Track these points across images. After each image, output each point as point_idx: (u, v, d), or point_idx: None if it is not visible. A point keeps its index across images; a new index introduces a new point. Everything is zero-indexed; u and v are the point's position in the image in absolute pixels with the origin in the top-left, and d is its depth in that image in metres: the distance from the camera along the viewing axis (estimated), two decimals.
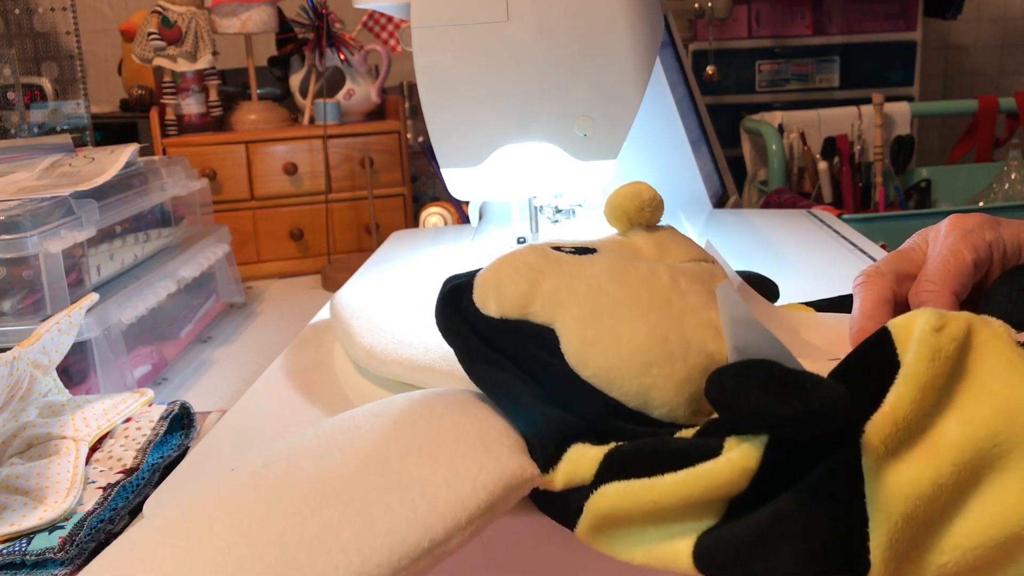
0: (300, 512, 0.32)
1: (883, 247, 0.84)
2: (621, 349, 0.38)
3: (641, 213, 0.46)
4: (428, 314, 0.60)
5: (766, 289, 0.57)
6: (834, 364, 0.41)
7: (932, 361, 0.31)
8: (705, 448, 0.32)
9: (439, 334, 0.55)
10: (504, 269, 0.42)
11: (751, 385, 0.31)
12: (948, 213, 1.51)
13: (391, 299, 0.65)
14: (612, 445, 0.35)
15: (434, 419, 0.38)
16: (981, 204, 1.52)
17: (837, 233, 0.89)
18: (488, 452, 0.35)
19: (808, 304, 0.57)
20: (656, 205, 0.46)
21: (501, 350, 0.41)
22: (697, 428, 0.35)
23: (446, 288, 0.43)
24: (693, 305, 0.40)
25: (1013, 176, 1.53)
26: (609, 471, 0.34)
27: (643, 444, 0.34)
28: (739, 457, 0.31)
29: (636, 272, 0.41)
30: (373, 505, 0.32)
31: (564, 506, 0.35)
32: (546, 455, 0.36)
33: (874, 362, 0.32)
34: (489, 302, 0.41)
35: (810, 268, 0.76)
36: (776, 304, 0.56)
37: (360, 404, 0.45)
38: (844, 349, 0.47)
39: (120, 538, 0.33)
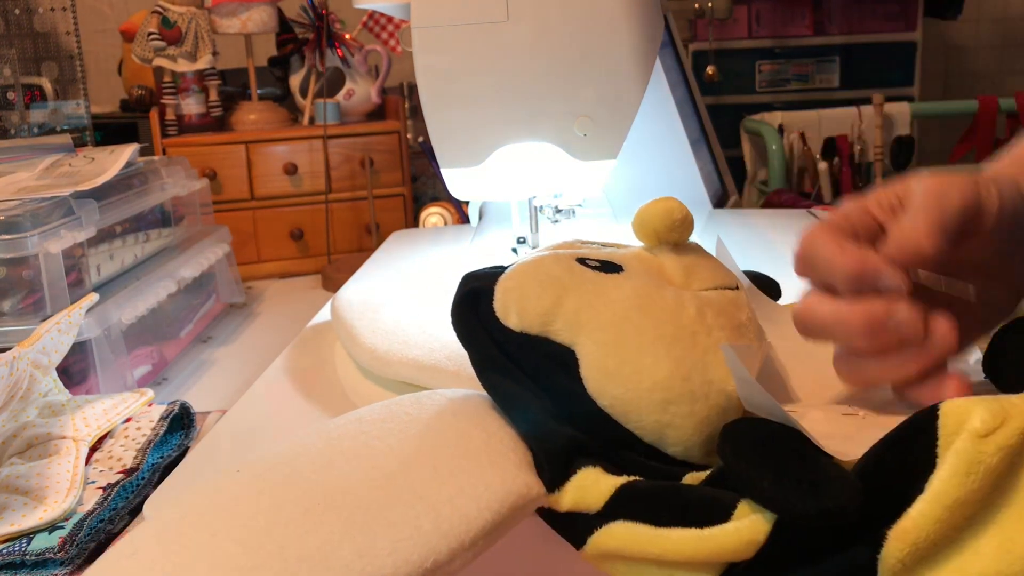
0: (302, 525, 0.32)
1: None
2: (642, 383, 0.37)
3: (671, 232, 0.45)
4: (431, 314, 0.60)
5: (768, 288, 0.57)
6: (848, 416, 0.40)
7: (967, 476, 0.28)
8: (718, 506, 0.31)
9: (444, 334, 0.55)
10: (528, 281, 0.41)
11: (766, 467, 0.30)
12: None
13: (392, 299, 0.65)
14: (625, 479, 0.34)
15: (441, 429, 0.38)
16: None
17: None
18: (494, 468, 0.35)
19: None
20: (687, 224, 0.45)
21: (517, 363, 0.40)
22: (710, 471, 0.35)
23: (464, 289, 0.42)
24: (718, 341, 0.39)
25: None
26: (619, 507, 0.33)
27: (657, 487, 0.34)
28: (748, 528, 0.30)
29: (663, 301, 0.40)
30: (376, 521, 0.32)
31: (569, 526, 0.35)
32: (553, 473, 0.35)
33: (909, 456, 0.30)
34: (510, 314, 0.40)
35: None
36: (780, 303, 0.56)
37: (362, 405, 0.44)
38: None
39: (121, 542, 0.33)
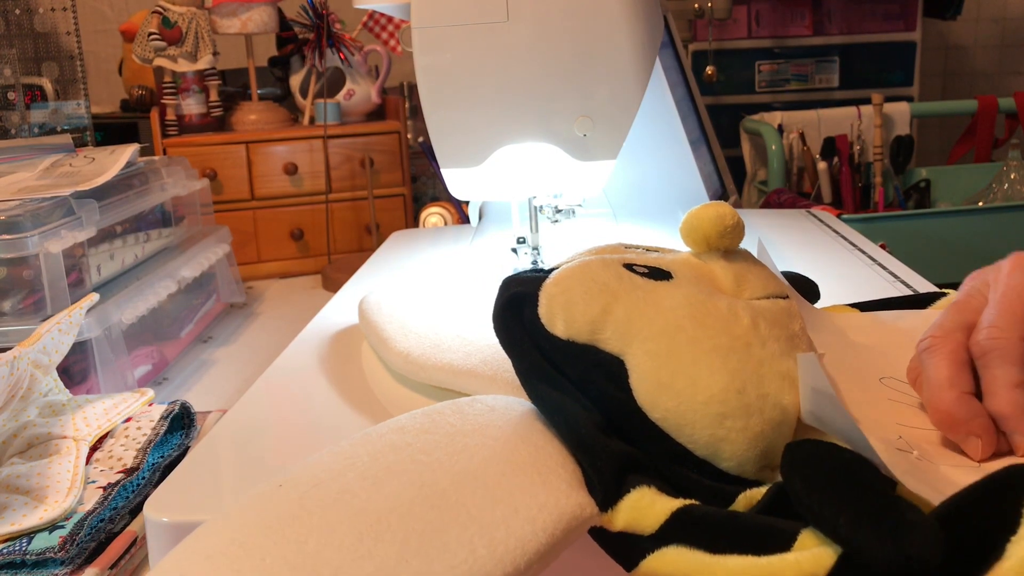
0: (355, 549, 0.31)
1: (882, 247, 0.84)
2: (696, 396, 0.36)
3: (722, 239, 0.43)
4: (464, 317, 0.60)
5: (807, 288, 0.55)
6: (901, 452, 0.37)
7: None
8: (778, 535, 0.30)
9: (479, 338, 0.54)
10: (575, 287, 0.39)
11: (843, 505, 0.28)
12: (947, 213, 1.50)
13: (420, 302, 0.64)
14: (681, 503, 0.33)
15: (487, 444, 0.36)
16: (980, 204, 1.52)
17: (837, 233, 0.89)
18: (547, 487, 0.34)
19: (852, 305, 0.56)
20: (738, 230, 0.43)
21: (564, 372, 0.39)
22: (767, 489, 0.33)
23: (507, 294, 0.41)
24: (772, 353, 0.38)
25: (1012, 176, 1.53)
26: (674, 531, 0.32)
27: (715, 513, 0.32)
28: (809, 561, 0.29)
29: (716, 311, 0.39)
30: (430, 544, 0.31)
31: (620, 546, 0.34)
32: (606, 492, 0.34)
33: (994, 512, 0.28)
34: (556, 321, 0.39)
35: (810, 268, 0.76)
36: (819, 305, 0.55)
37: (394, 410, 0.43)
38: (894, 350, 0.45)
39: (165, 563, 0.32)
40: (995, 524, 0.27)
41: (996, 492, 0.28)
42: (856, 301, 0.57)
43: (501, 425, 0.38)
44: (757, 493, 0.34)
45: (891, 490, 0.31)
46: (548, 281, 0.41)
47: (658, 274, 0.41)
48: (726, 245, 0.44)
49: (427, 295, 0.66)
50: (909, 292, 0.69)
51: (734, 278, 0.43)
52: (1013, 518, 0.27)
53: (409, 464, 0.35)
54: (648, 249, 0.46)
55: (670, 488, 0.34)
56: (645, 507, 0.33)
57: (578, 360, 0.39)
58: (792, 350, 0.39)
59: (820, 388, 0.35)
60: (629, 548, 0.33)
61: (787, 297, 0.43)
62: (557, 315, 0.39)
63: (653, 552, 0.32)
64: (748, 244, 0.48)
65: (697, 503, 0.33)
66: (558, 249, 0.75)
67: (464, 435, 0.37)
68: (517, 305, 0.41)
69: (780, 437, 0.35)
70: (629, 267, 0.41)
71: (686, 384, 0.36)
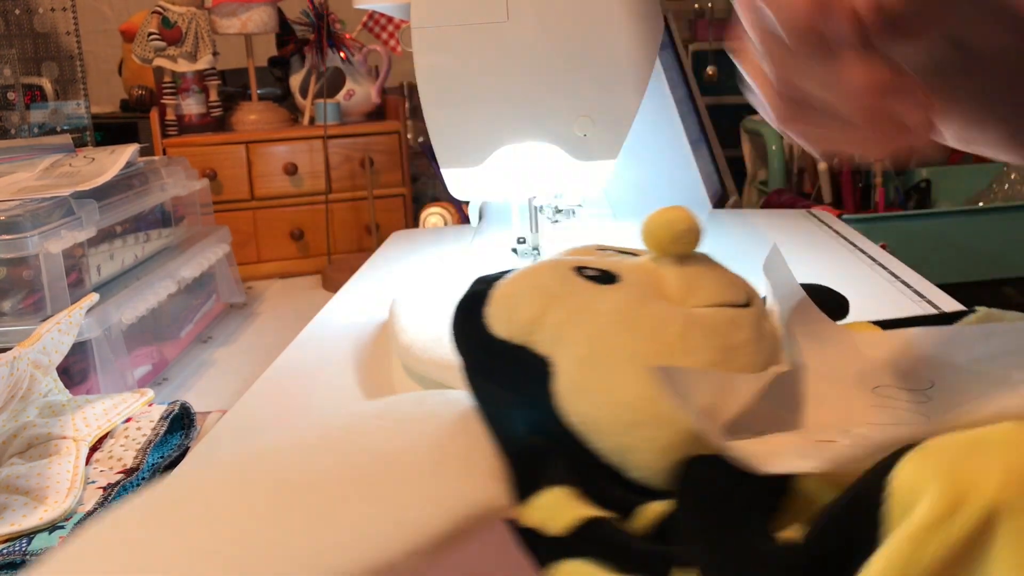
0: (267, 517, 0.32)
1: (883, 247, 0.84)
2: (610, 402, 0.36)
3: (674, 244, 0.43)
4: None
5: (835, 303, 0.54)
6: (822, 443, 0.37)
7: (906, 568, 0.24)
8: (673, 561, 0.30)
9: None
10: (522, 289, 0.40)
11: (712, 547, 0.29)
12: (948, 213, 1.49)
13: (441, 297, 0.64)
14: (592, 514, 0.33)
15: (428, 431, 0.38)
16: (981, 204, 1.52)
17: (837, 233, 0.89)
18: (468, 476, 0.35)
19: (875, 323, 0.55)
20: (691, 237, 0.43)
21: (501, 370, 0.40)
22: (668, 505, 0.33)
23: (467, 291, 0.42)
24: (699, 363, 0.37)
25: (1013, 176, 1.53)
26: (582, 542, 0.32)
27: (618, 538, 0.32)
28: None
29: (646, 319, 0.38)
30: (339, 518, 0.32)
31: (531, 543, 0.34)
32: (523, 488, 0.35)
33: (853, 532, 0.27)
34: (500, 320, 0.40)
35: (810, 268, 0.76)
36: (844, 321, 0.54)
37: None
38: (905, 361, 0.45)
39: (96, 525, 0.33)
40: (853, 544, 0.26)
41: (852, 510, 0.27)
42: (867, 311, 0.56)
43: (448, 416, 0.39)
44: (660, 506, 0.33)
45: (769, 513, 0.31)
46: (501, 281, 0.42)
47: (606, 278, 0.41)
48: (679, 250, 0.43)
49: (451, 290, 0.67)
50: (910, 292, 0.69)
51: (685, 284, 0.42)
52: (869, 536, 0.26)
53: (347, 445, 0.37)
54: (622, 251, 0.46)
55: (584, 495, 0.34)
56: (555, 508, 0.34)
57: (512, 360, 0.39)
58: (725, 362, 0.38)
59: (686, 406, 0.34)
60: (539, 547, 0.33)
61: (746, 305, 0.42)
62: (501, 315, 0.40)
63: (560, 562, 0.32)
64: (762, 249, 0.48)
65: (608, 517, 0.33)
66: (558, 249, 0.75)
67: (411, 422, 0.39)
68: (474, 303, 0.41)
69: (695, 450, 0.35)
70: (581, 269, 0.42)
71: (600, 390, 0.36)
